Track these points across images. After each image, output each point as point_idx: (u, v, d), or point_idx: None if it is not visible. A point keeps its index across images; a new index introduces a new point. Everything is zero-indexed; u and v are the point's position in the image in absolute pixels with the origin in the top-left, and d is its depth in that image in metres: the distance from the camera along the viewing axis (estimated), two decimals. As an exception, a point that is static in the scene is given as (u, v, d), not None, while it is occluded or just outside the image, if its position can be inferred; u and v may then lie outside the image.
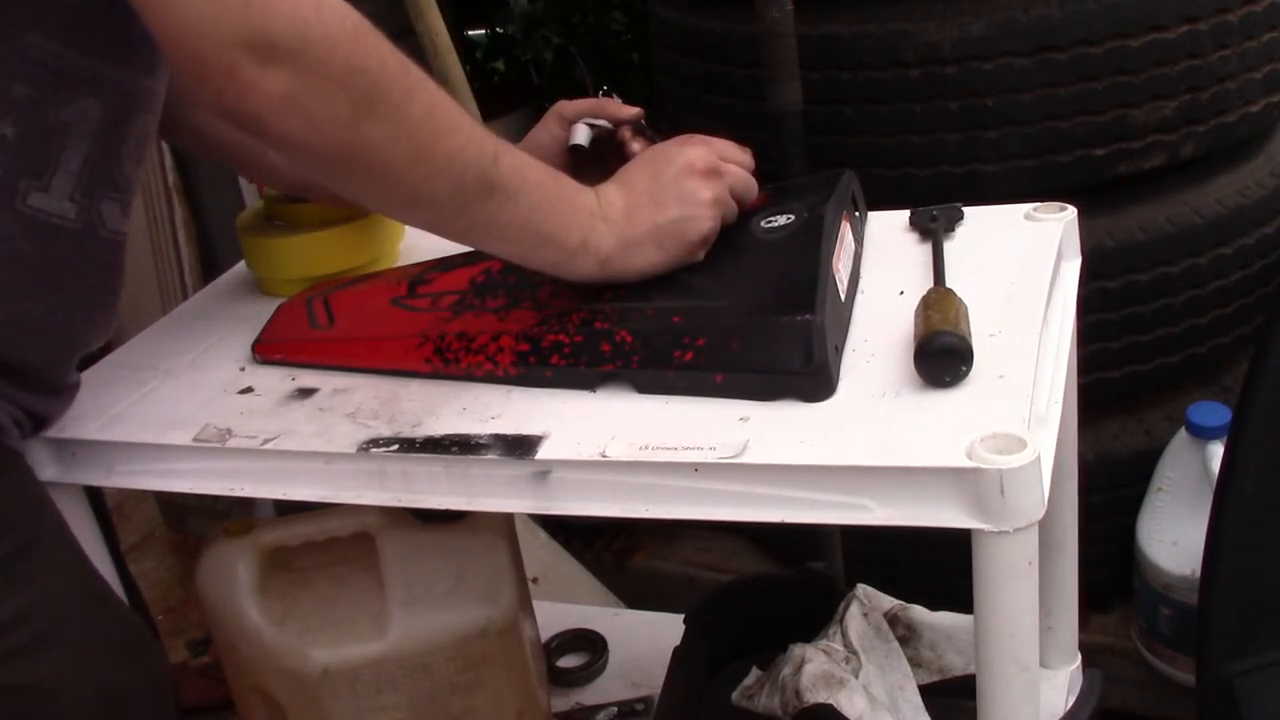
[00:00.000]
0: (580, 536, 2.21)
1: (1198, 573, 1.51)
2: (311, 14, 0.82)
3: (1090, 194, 1.59)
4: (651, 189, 1.02)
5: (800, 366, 0.92)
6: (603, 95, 3.23)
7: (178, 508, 2.56)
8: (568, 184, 0.99)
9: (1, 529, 0.90)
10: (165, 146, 1.90)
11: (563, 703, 1.49)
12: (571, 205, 0.98)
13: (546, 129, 1.24)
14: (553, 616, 1.58)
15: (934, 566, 1.34)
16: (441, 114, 0.90)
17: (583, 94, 3.14)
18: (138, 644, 1.04)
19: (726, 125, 1.84)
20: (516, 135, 3.19)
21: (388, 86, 0.86)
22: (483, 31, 3.36)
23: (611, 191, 1.03)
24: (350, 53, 0.84)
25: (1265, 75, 1.71)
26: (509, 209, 0.94)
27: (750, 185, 1.09)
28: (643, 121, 1.22)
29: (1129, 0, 1.60)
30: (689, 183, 1.02)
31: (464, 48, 3.14)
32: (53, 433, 1.03)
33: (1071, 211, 1.14)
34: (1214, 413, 1.69)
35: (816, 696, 1.20)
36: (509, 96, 2.92)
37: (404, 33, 2.44)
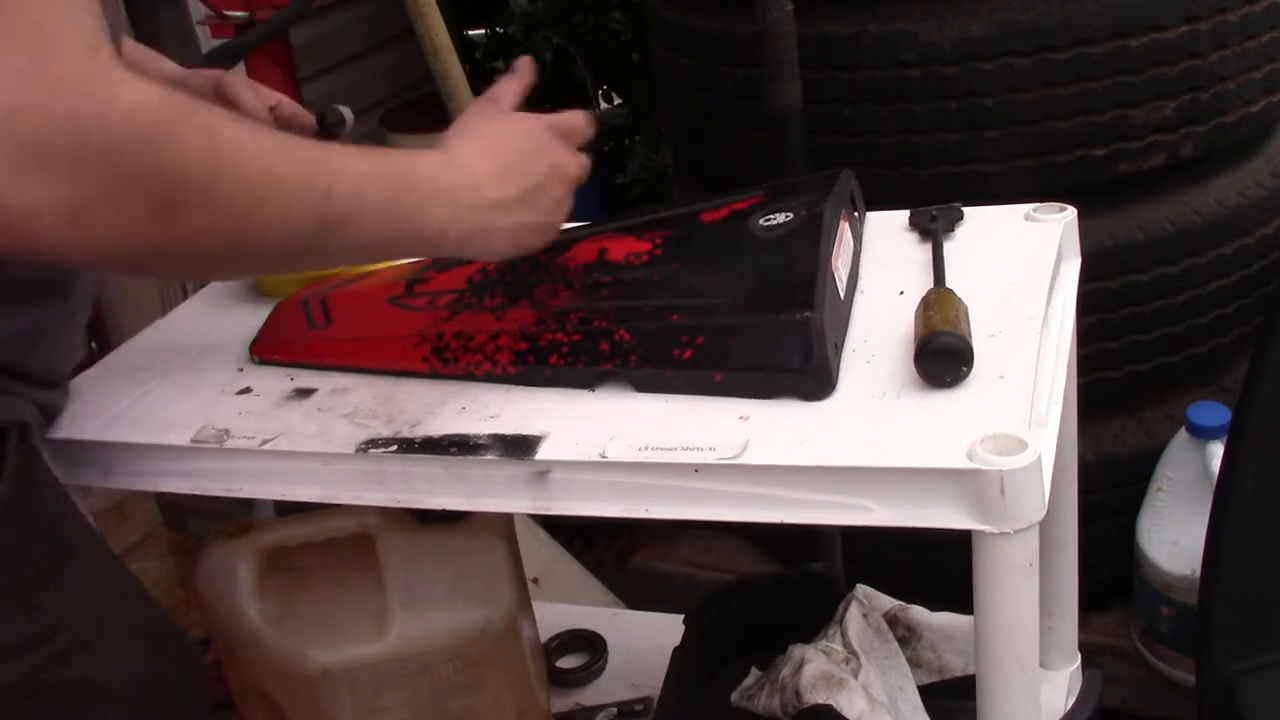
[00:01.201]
0: (581, 537, 2.21)
1: (1198, 573, 1.51)
2: (93, 120, 0.70)
3: (1090, 194, 1.59)
4: (521, 181, 0.97)
5: (799, 365, 0.92)
6: (601, 95, 3.23)
7: (178, 508, 2.55)
8: (417, 174, 0.92)
9: (44, 532, 0.90)
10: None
11: (562, 703, 1.49)
12: (423, 199, 0.91)
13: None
14: (552, 617, 1.58)
15: (934, 567, 1.33)
16: (257, 176, 0.79)
17: (583, 94, 3.15)
18: (171, 633, 1.04)
19: (726, 125, 1.86)
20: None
21: (190, 178, 0.75)
22: (483, 31, 3.36)
23: (476, 167, 0.95)
24: (142, 157, 0.72)
25: (1265, 75, 1.71)
26: (354, 232, 0.86)
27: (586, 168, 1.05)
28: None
29: (1129, 0, 1.60)
30: (557, 187, 0.99)
31: (464, 48, 3.13)
32: (51, 433, 1.03)
33: (1071, 212, 1.14)
34: (1214, 413, 1.69)
35: (816, 697, 1.20)
36: (509, 96, 2.92)
37: (404, 33, 2.44)
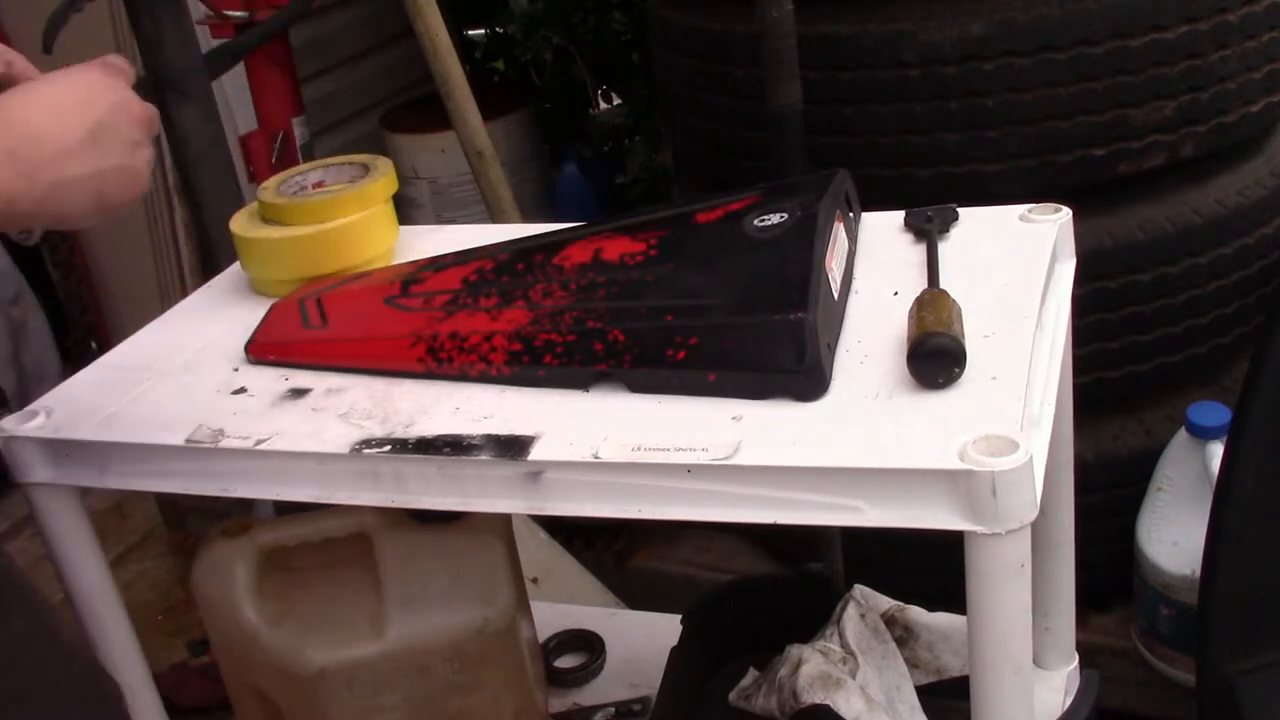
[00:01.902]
0: (580, 536, 2.21)
1: (1198, 573, 1.50)
2: None
3: (1090, 194, 1.59)
4: (84, 121, 0.87)
5: (793, 365, 0.92)
6: (601, 95, 3.23)
7: (177, 507, 2.56)
8: None
9: None
10: (165, 146, 1.91)
11: (560, 703, 1.49)
12: None
13: None
14: (550, 617, 1.58)
15: (933, 567, 1.33)
16: None
17: (583, 94, 3.15)
18: (102, 681, 1.02)
19: (726, 125, 1.86)
20: (517, 135, 3.18)
21: None
22: (483, 31, 3.36)
23: (30, 118, 0.85)
24: None
25: (1265, 75, 1.71)
26: None
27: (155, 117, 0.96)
28: None
29: (1129, 0, 1.60)
30: (127, 126, 0.89)
31: (464, 48, 3.14)
32: (47, 433, 1.03)
33: (1066, 213, 1.14)
34: (1214, 413, 1.69)
35: (813, 697, 1.20)
36: (509, 96, 2.93)
37: (404, 33, 2.44)
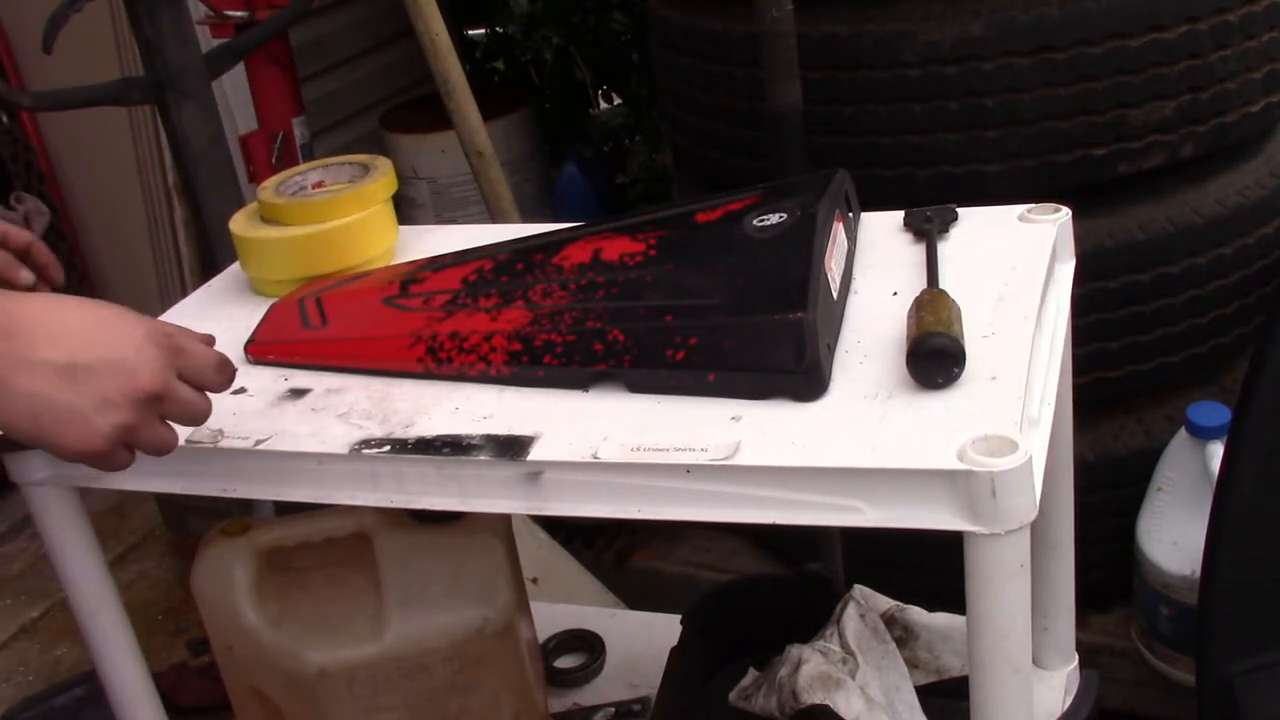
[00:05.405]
0: (580, 536, 2.21)
1: (1198, 573, 1.50)
2: None
3: (1090, 194, 1.59)
4: (74, 356, 0.82)
5: (792, 365, 0.92)
6: (601, 95, 3.23)
7: (178, 507, 2.56)
8: None
9: None
10: (165, 146, 1.91)
11: (560, 703, 1.49)
12: None
13: None
14: (550, 617, 1.58)
15: (934, 567, 1.33)
16: None
17: (583, 94, 3.15)
18: None
19: (726, 125, 1.86)
20: (517, 135, 3.18)
21: None
22: (483, 31, 3.36)
23: (26, 320, 0.83)
24: None
25: (1265, 75, 1.71)
26: None
27: (198, 415, 0.91)
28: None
29: (1129, 0, 1.60)
30: (111, 383, 0.84)
31: (464, 48, 3.14)
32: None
33: (1066, 213, 1.14)
34: (1214, 413, 1.68)
35: (813, 697, 1.20)
36: (509, 96, 2.93)
37: (404, 33, 2.44)
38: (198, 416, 0.91)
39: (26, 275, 1.08)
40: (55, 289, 1.12)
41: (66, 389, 0.82)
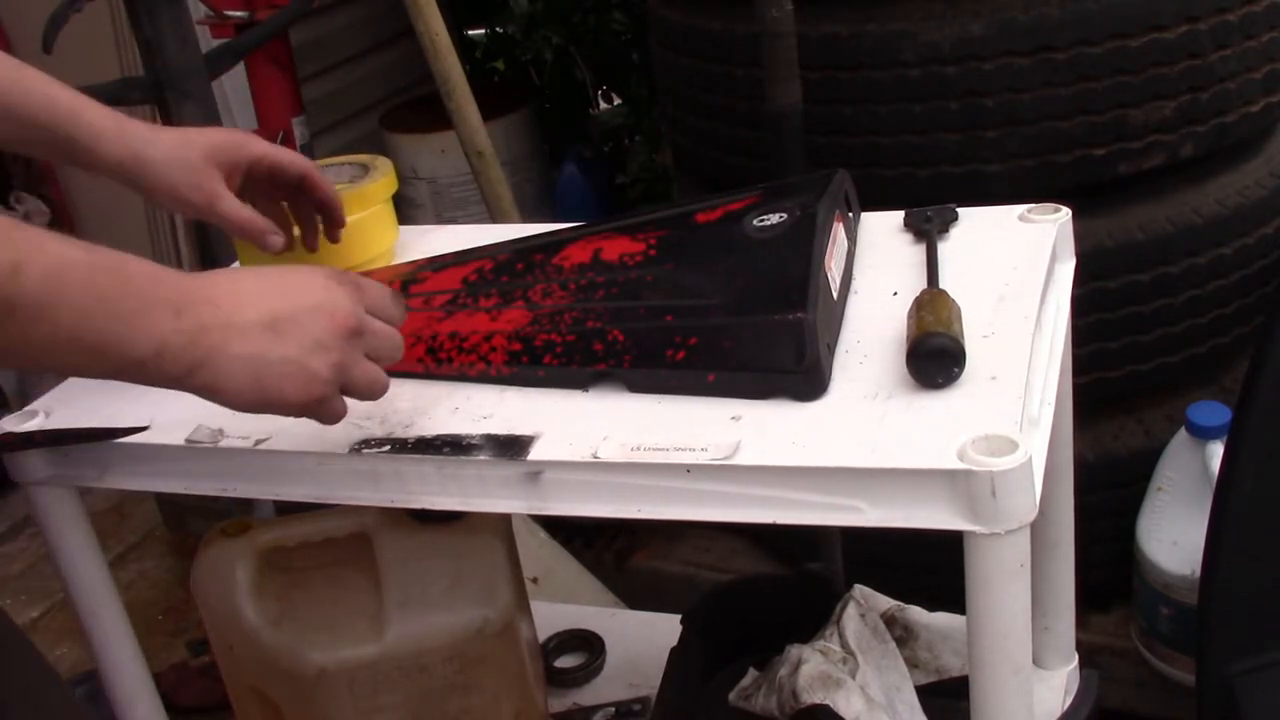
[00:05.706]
0: (580, 536, 2.21)
1: (1198, 573, 1.50)
2: None
3: (1090, 194, 1.59)
4: (274, 307, 0.84)
5: (792, 365, 0.92)
6: (601, 95, 3.22)
7: (178, 507, 2.56)
8: (140, 278, 0.79)
9: None
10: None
11: (560, 703, 1.49)
12: (143, 305, 0.78)
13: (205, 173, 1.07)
14: (550, 617, 1.58)
15: (934, 567, 1.33)
16: None
17: (583, 94, 3.15)
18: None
19: (726, 125, 1.86)
20: (517, 135, 3.18)
21: None
22: (483, 31, 3.36)
23: (219, 290, 0.83)
24: None
25: (1265, 75, 1.71)
26: (43, 326, 0.74)
27: (395, 347, 0.92)
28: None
29: (1129, 0, 1.60)
30: (321, 323, 0.85)
31: (464, 48, 3.14)
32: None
33: (1066, 213, 1.14)
34: (1214, 413, 1.68)
35: (813, 697, 1.20)
36: (509, 96, 2.93)
37: (404, 33, 2.44)
38: (394, 349, 0.91)
39: (276, 240, 1.11)
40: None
41: (278, 343, 0.83)
